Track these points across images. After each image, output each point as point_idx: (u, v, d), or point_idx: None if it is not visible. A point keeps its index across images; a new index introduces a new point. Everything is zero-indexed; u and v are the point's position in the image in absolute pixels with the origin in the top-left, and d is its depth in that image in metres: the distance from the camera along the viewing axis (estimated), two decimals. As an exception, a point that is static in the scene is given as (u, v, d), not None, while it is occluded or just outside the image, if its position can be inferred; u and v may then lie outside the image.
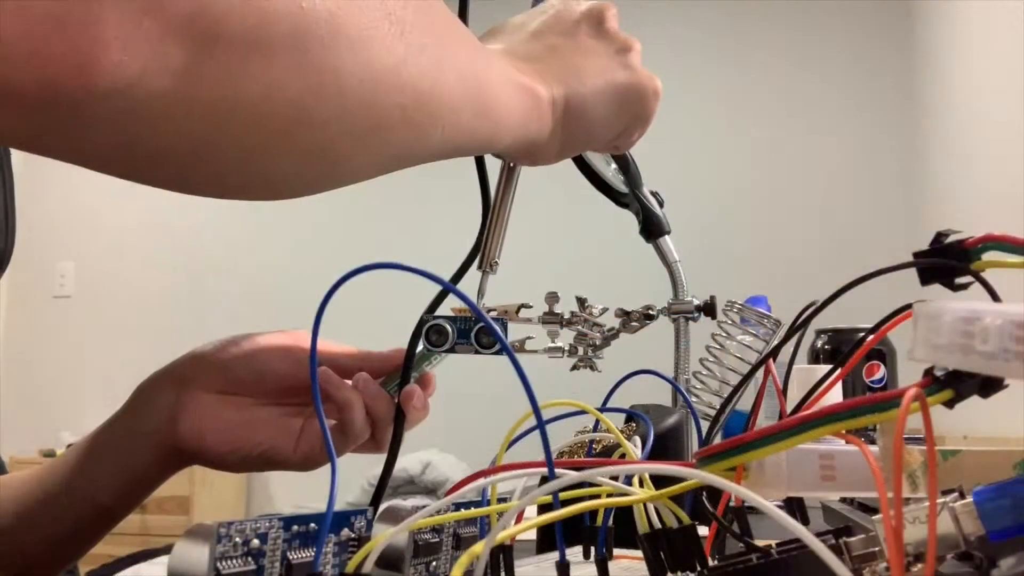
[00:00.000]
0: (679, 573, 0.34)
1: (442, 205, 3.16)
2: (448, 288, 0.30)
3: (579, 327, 0.74)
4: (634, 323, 0.77)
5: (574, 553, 0.43)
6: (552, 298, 0.74)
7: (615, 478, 0.33)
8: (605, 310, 0.75)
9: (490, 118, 0.47)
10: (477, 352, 0.64)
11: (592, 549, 0.42)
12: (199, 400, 0.56)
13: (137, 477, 0.58)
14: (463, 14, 0.57)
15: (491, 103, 0.47)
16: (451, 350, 0.63)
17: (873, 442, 0.28)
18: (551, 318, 0.74)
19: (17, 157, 0.69)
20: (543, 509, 0.38)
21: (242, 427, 0.56)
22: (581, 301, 0.74)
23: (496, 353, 0.64)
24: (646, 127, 0.60)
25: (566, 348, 0.74)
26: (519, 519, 0.39)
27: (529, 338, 0.74)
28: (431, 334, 0.63)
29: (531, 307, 0.72)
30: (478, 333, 0.63)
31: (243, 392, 0.57)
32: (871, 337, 0.34)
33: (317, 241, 3.64)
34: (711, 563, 0.34)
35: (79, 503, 0.58)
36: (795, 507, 0.39)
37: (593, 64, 0.57)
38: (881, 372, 1.00)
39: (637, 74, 0.58)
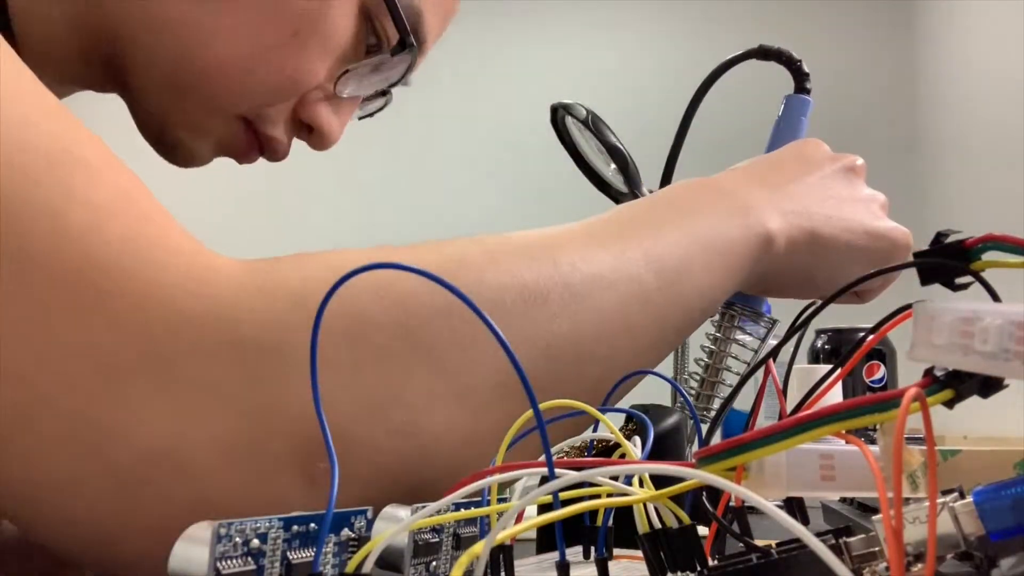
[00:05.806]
0: (679, 573, 0.34)
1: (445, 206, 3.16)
2: (449, 288, 0.30)
3: None
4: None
5: (574, 553, 0.43)
6: None
7: (615, 478, 0.33)
8: None
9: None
10: None
11: (592, 549, 0.42)
12: None
13: None
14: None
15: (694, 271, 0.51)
16: None
17: (873, 442, 0.28)
18: None
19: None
20: (543, 509, 0.38)
21: None
22: None
23: None
24: (891, 282, 0.60)
25: None
26: (519, 519, 0.39)
27: None
28: None
29: None
30: None
31: None
32: (871, 337, 0.34)
33: (322, 245, 3.63)
34: (711, 563, 0.34)
35: None
36: (795, 507, 0.39)
37: (846, 206, 0.58)
38: (881, 372, 1.00)
39: (889, 224, 0.60)
